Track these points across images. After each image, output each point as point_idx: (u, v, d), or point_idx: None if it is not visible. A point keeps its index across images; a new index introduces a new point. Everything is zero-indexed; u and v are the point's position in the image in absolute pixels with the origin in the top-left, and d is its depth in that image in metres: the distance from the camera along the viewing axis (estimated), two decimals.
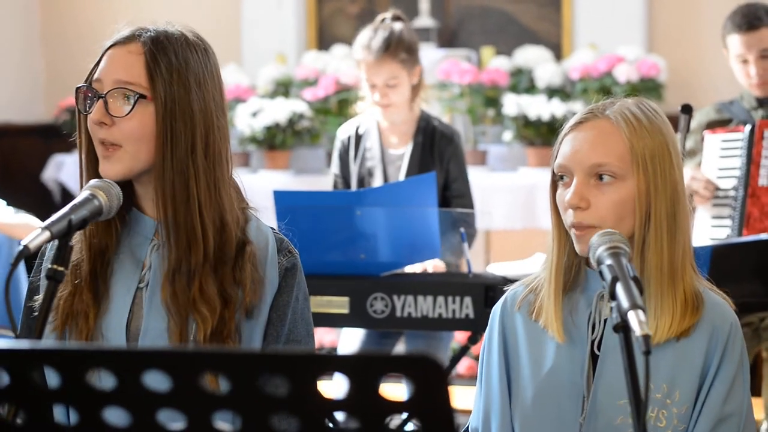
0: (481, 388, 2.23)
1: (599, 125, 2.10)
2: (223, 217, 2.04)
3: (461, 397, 3.03)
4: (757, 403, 4.43)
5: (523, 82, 6.41)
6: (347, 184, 4.12)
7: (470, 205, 4.02)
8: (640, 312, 1.71)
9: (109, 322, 2.05)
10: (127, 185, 2.06)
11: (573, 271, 2.15)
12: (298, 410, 1.23)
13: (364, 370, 1.20)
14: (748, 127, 3.86)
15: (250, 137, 6.42)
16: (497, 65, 6.43)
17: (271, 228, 2.14)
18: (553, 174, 2.14)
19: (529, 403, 2.14)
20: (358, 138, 4.10)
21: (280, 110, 6.34)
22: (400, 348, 4.17)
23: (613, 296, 1.77)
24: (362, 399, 1.21)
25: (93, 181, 1.98)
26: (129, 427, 1.26)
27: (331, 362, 1.23)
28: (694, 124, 3.87)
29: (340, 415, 1.23)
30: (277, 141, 6.37)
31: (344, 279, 3.45)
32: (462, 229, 3.56)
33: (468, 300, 3.36)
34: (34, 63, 7.21)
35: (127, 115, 2.00)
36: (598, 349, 2.10)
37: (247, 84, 6.68)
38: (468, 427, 2.27)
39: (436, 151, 4.01)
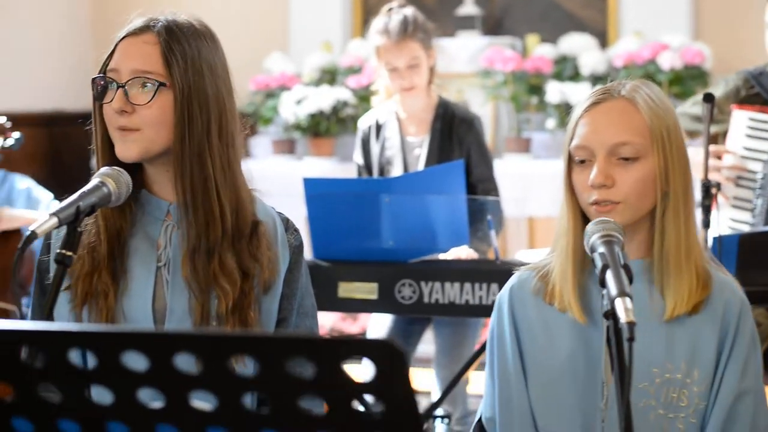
0: (494, 377, 2.22)
1: (617, 105, 2.14)
2: (239, 195, 2.14)
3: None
4: None
5: (567, 69, 6.41)
6: (370, 173, 4.16)
7: (494, 189, 4.01)
8: (627, 299, 1.74)
9: (131, 303, 2.12)
10: (138, 168, 2.14)
11: (585, 254, 2.16)
12: (268, 390, 1.28)
13: (331, 353, 1.25)
14: None
15: (295, 125, 6.48)
16: (542, 53, 6.43)
17: (273, 208, 2.24)
18: (569, 157, 2.16)
19: (548, 390, 2.15)
20: (379, 127, 4.13)
21: (324, 98, 6.40)
22: (428, 335, 4.19)
23: (603, 283, 1.81)
24: (329, 380, 1.26)
25: (103, 169, 2.05)
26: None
27: (300, 345, 1.28)
28: (718, 92, 3.81)
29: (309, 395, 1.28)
30: (321, 128, 6.43)
31: (373, 265, 3.49)
32: (489, 217, 3.59)
33: (495, 287, 3.37)
34: (85, 51, 7.32)
35: (148, 102, 2.08)
36: None
37: (293, 72, 6.75)
38: (480, 417, 2.26)
39: (455, 137, 4.01)
